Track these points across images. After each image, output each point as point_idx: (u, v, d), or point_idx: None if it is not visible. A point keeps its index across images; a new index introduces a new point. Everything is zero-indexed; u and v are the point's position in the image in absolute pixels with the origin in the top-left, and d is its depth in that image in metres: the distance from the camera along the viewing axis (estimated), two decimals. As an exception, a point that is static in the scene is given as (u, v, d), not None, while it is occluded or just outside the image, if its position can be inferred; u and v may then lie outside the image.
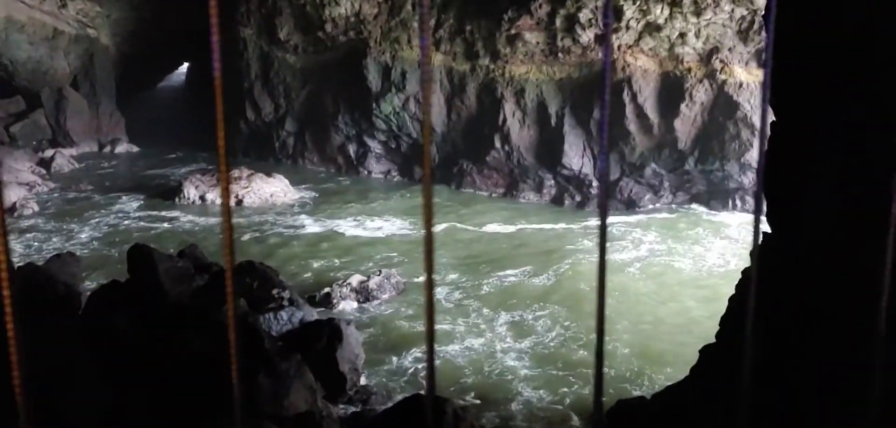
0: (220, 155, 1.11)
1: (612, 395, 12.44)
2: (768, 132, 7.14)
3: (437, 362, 13.78)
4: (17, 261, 16.56)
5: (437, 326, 15.29)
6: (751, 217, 22.69)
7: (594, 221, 23.06)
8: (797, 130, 6.58)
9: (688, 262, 19.68)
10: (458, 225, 22.82)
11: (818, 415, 5.78)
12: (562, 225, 23.01)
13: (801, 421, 6.05)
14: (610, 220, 23.26)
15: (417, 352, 14.17)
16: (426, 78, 1.10)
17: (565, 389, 12.82)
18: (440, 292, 17.19)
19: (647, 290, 17.41)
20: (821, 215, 6.13)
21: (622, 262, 19.35)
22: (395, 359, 14.02)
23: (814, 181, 6.30)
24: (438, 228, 22.38)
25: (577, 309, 16.14)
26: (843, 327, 5.49)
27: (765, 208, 7.30)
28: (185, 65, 40.70)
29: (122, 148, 33.54)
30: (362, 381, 13.00)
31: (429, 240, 1.05)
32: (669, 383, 10.26)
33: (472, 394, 12.73)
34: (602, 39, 25.03)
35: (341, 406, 12.26)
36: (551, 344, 14.70)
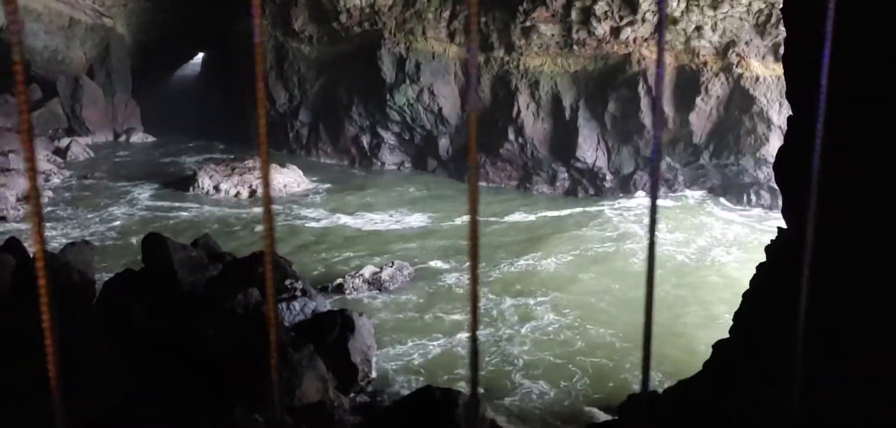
0: (261, 158, 1.11)
1: (611, 387, 12.44)
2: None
3: (440, 351, 13.82)
4: (33, 249, 16.68)
5: (437, 316, 15.34)
6: (764, 212, 22.56)
7: (594, 208, 23.03)
8: (815, 124, 6.52)
9: (693, 252, 19.65)
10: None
11: (835, 409, 5.74)
12: (566, 211, 23.01)
13: (819, 414, 6.02)
14: (616, 205, 23.22)
15: (429, 342, 14.19)
16: (472, 83, 1.09)
17: (566, 382, 12.82)
18: (451, 279, 17.34)
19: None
20: (838, 211, 6.08)
21: (630, 250, 19.35)
22: (407, 349, 14.04)
23: (831, 176, 6.24)
24: (457, 220, 22.43)
25: (580, 296, 16.32)
26: (861, 324, 5.45)
27: (780, 203, 7.25)
28: (201, 55, 40.83)
29: (137, 137, 33.72)
30: (374, 371, 13.03)
31: (474, 239, 1.04)
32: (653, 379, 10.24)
33: (461, 382, 12.71)
34: (617, 32, 24.92)
35: (353, 396, 12.30)
36: (552, 331, 14.78)
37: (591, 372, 13.11)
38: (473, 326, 1.07)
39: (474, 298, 1.06)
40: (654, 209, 1.15)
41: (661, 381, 11.89)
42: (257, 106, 1.11)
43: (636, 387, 12.21)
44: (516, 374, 13.18)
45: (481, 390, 12.38)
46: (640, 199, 24.69)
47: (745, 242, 20.60)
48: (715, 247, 20.25)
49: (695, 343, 13.49)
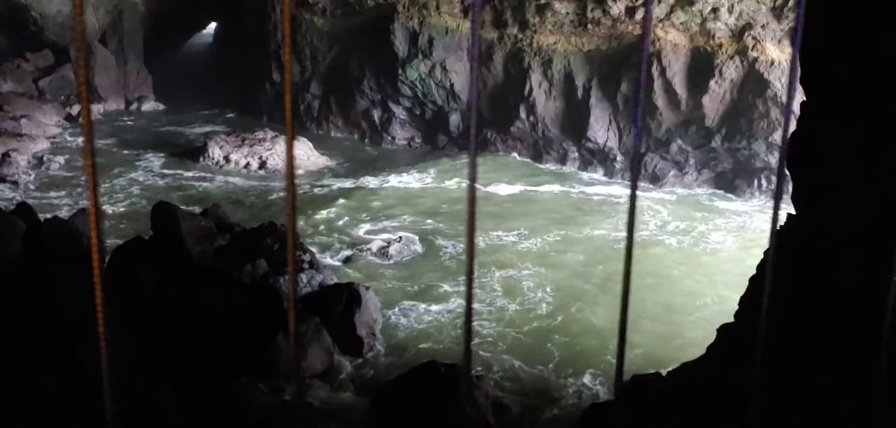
0: (287, 139, 1.10)
1: (611, 363, 12.42)
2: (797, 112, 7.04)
3: (447, 324, 13.87)
4: (44, 214, 16.81)
5: (442, 290, 15.42)
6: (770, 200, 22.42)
7: (592, 190, 23.00)
8: (829, 111, 6.47)
9: (690, 241, 19.62)
10: (480, 190, 22.91)
11: (834, 398, 5.74)
12: (556, 190, 23.00)
13: (818, 402, 6.02)
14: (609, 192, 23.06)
15: (435, 315, 14.25)
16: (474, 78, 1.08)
17: (564, 359, 12.90)
18: (450, 249, 17.50)
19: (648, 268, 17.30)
20: (853, 199, 6.05)
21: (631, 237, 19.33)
22: (413, 323, 14.10)
23: (845, 164, 6.21)
24: (457, 194, 22.48)
25: (573, 277, 16.47)
26: (866, 314, 5.43)
27: (789, 189, 7.21)
28: (213, 24, 40.75)
29: (148, 105, 33.76)
30: (380, 345, 13.09)
31: (471, 219, 1.04)
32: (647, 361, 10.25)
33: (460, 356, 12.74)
34: (632, 12, 24.74)
35: (359, 368, 12.37)
36: (542, 308, 14.92)
37: (588, 350, 13.14)
38: (469, 304, 1.07)
39: (470, 271, 1.06)
40: (633, 198, 1.14)
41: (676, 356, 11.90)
42: (286, 91, 1.11)
43: (635, 367, 12.22)
44: (513, 349, 13.24)
45: (480, 370, 12.45)
46: (649, 186, 24.60)
47: (748, 228, 20.55)
48: (712, 234, 20.16)
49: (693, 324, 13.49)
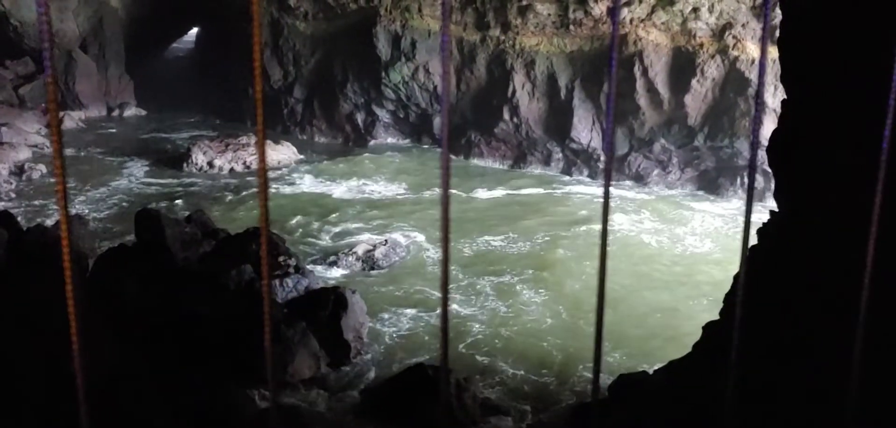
0: (259, 143, 1.11)
1: (572, 367, 12.49)
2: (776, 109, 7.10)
3: (433, 327, 13.85)
4: (26, 223, 16.67)
5: (428, 294, 15.40)
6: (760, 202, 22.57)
7: (576, 189, 23.03)
8: (810, 108, 6.53)
9: (671, 239, 19.73)
10: (462, 193, 22.94)
11: (813, 394, 5.79)
12: (539, 191, 23.07)
13: (804, 398, 6.07)
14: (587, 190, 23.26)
15: (422, 318, 14.24)
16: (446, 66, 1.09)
17: (547, 361, 12.91)
18: (436, 253, 17.47)
19: (625, 267, 17.35)
20: (833, 196, 6.10)
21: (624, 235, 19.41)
22: (400, 326, 14.09)
23: (826, 160, 6.27)
24: (464, 194, 22.56)
25: (556, 276, 16.55)
26: (847, 309, 5.48)
27: (772, 186, 7.27)
28: (195, 29, 40.57)
29: (130, 111, 33.57)
30: (367, 348, 13.07)
31: (445, 222, 1.05)
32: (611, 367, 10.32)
33: (452, 361, 12.75)
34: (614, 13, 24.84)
35: (346, 373, 12.34)
36: (531, 312, 14.91)
37: (570, 352, 13.15)
38: (444, 304, 1.08)
39: (445, 272, 1.07)
40: (606, 198, 1.16)
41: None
42: (256, 92, 1.12)
43: (626, 367, 12.27)
44: (499, 351, 13.25)
45: (471, 372, 12.45)
46: (629, 186, 24.70)
47: (732, 225, 20.68)
48: (689, 237, 20.24)
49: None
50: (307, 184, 24.09)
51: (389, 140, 29.41)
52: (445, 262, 1.07)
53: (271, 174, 24.55)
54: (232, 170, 24.65)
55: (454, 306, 14.83)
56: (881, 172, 1.41)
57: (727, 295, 8.45)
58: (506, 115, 26.81)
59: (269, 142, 25.96)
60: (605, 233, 1.17)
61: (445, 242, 1.06)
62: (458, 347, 13.28)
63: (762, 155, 10.80)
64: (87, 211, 19.92)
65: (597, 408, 3.39)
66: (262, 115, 1.08)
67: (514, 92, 26.63)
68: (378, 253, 17.00)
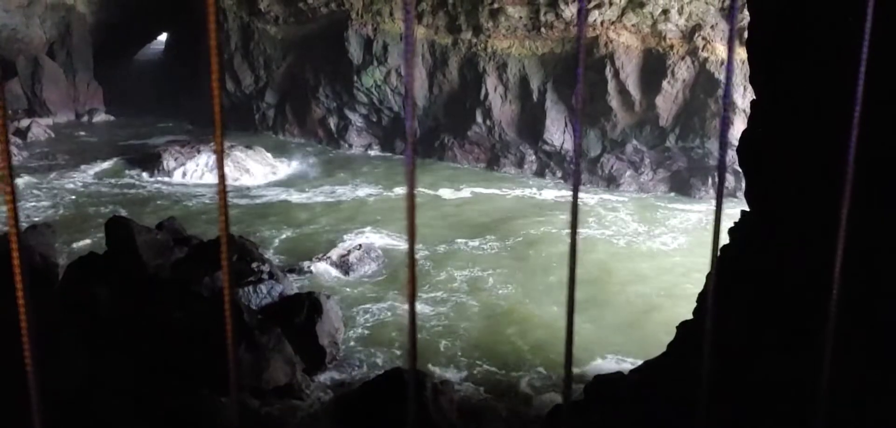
0: (216, 148, 1.10)
1: (550, 366, 12.55)
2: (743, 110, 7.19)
3: (394, 332, 13.86)
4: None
5: (403, 297, 15.35)
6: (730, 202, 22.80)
7: (549, 192, 23.16)
8: (779, 109, 6.62)
9: (644, 239, 19.93)
10: (435, 195, 22.97)
11: (789, 391, 5.86)
12: (512, 193, 23.18)
13: (776, 395, 6.14)
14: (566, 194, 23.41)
15: (397, 322, 14.21)
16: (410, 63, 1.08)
17: (520, 361, 12.96)
18: (417, 258, 17.36)
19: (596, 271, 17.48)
20: (803, 195, 6.19)
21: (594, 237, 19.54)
22: (374, 330, 14.05)
23: (795, 160, 6.35)
24: (418, 200, 22.43)
25: (529, 276, 16.68)
26: (817, 307, 5.56)
27: (743, 186, 7.36)
28: (164, 34, 40.22)
29: (99, 117, 33.17)
30: (342, 353, 13.02)
31: (411, 220, 1.05)
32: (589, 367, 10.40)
33: (428, 363, 12.75)
34: (585, 16, 25.00)
35: (321, 379, 12.28)
36: (506, 312, 15.00)
37: (555, 349, 13.21)
38: (411, 302, 1.08)
39: (412, 271, 1.07)
40: (575, 202, 1.17)
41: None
42: (213, 93, 1.11)
43: (603, 367, 12.35)
44: (475, 352, 13.28)
45: (453, 378, 12.45)
46: (603, 188, 24.87)
47: (703, 224, 20.89)
48: (666, 233, 20.46)
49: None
50: (279, 189, 23.96)
51: (362, 144, 29.33)
52: (412, 267, 1.07)
53: (242, 179, 24.37)
54: (202, 174, 24.43)
55: (427, 309, 14.82)
56: (849, 171, 1.44)
57: (700, 294, 8.53)
58: (479, 118, 26.86)
59: (240, 146, 25.82)
60: (574, 236, 1.18)
61: (411, 250, 1.05)
62: (434, 349, 13.28)
63: (733, 155, 10.94)
64: (56, 219, 19.61)
65: (568, 408, 3.41)
66: (220, 130, 1.07)
67: (486, 95, 26.69)
68: (352, 257, 16.95)
